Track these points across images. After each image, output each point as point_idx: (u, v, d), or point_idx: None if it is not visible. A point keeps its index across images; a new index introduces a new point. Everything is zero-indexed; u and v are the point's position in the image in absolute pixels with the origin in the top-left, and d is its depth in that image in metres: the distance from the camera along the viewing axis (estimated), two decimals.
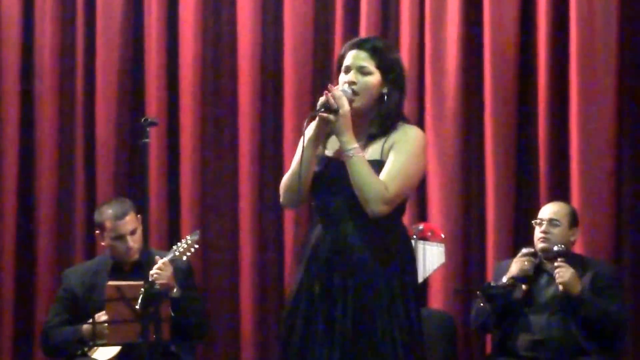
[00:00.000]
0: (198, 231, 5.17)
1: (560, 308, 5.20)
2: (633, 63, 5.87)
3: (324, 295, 3.83)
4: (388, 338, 3.80)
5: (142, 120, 4.35)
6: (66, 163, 6.44)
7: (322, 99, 3.79)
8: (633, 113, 5.87)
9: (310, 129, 3.84)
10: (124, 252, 5.16)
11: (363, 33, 6.10)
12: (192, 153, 6.31)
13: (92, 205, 6.31)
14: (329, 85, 3.82)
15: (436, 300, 5.97)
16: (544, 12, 5.90)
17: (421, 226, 5.52)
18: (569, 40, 5.87)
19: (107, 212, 5.19)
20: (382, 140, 3.86)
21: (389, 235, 3.86)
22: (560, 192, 5.80)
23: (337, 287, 3.82)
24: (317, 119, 3.82)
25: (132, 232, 5.16)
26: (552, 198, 5.68)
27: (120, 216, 5.16)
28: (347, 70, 3.88)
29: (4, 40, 6.49)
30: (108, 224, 5.17)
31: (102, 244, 5.28)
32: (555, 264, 5.18)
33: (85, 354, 5.07)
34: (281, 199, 3.94)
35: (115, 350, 4.98)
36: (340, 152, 3.86)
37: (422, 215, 6.02)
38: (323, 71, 6.18)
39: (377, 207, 3.77)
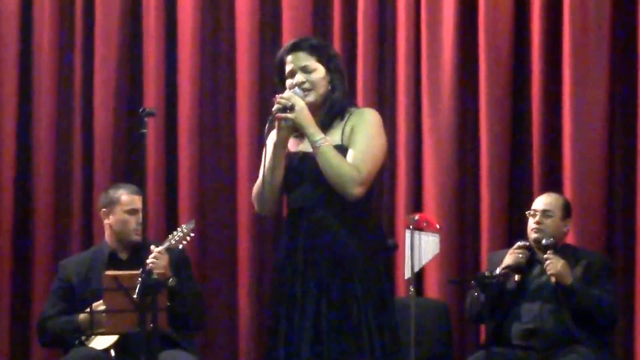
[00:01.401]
0: (193, 220, 5.20)
1: (552, 298, 5.24)
2: (625, 52, 5.89)
3: (302, 282, 3.91)
4: (363, 321, 3.87)
5: (140, 110, 4.37)
6: (64, 154, 6.45)
7: (275, 107, 3.87)
8: (625, 104, 5.89)
9: (272, 137, 3.92)
10: (134, 229, 5.19)
11: (360, 26, 6.13)
12: (189, 143, 6.32)
13: (89, 196, 6.33)
14: (275, 95, 3.90)
15: (431, 290, 6.00)
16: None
17: (416, 216, 5.54)
18: (562, 32, 5.90)
19: (121, 189, 5.28)
20: (340, 126, 3.95)
21: (361, 221, 3.94)
22: (553, 184, 5.84)
23: (314, 274, 3.89)
24: (277, 126, 3.89)
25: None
26: (545, 189, 5.71)
27: (136, 192, 5.23)
28: (292, 74, 3.96)
29: (2, 30, 6.48)
30: (125, 198, 5.23)
31: (108, 222, 5.27)
32: (545, 256, 5.22)
33: (82, 344, 5.09)
34: (257, 208, 4.04)
35: (112, 339, 5.00)
36: (297, 146, 3.96)
37: (417, 205, 6.05)
38: None
39: (353, 190, 3.87)
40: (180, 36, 6.38)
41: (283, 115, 3.86)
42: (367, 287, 3.90)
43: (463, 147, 6.07)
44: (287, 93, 3.90)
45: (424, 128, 6.09)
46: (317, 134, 3.87)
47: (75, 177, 6.43)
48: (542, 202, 5.41)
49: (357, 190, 3.87)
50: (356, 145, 3.90)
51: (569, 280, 5.18)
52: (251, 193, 6.23)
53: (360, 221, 3.95)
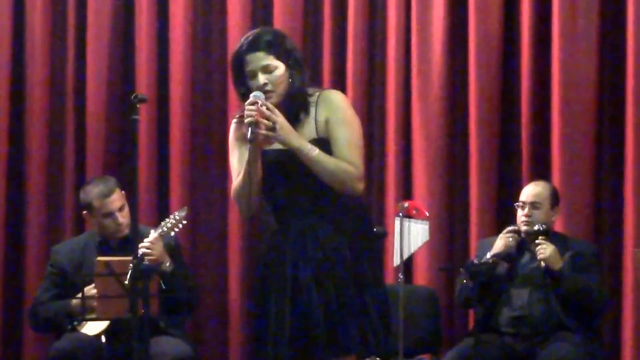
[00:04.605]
0: (186, 207, 5.20)
1: (541, 283, 5.28)
2: (613, 46, 5.92)
3: (291, 284, 3.90)
4: (354, 313, 3.89)
5: (132, 97, 4.38)
6: (56, 140, 6.45)
7: (249, 119, 3.80)
8: (613, 94, 5.90)
9: (234, 137, 3.94)
10: (114, 229, 5.20)
11: (350, 24, 6.16)
12: (181, 129, 6.33)
13: (81, 182, 6.31)
14: (250, 105, 3.82)
15: (420, 277, 6.03)
16: None
17: (406, 204, 5.56)
18: (551, 26, 5.92)
19: (93, 192, 5.22)
20: (310, 117, 3.93)
21: (345, 207, 3.95)
22: (541, 171, 5.86)
23: (304, 271, 3.89)
24: (253, 138, 3.82)
25: (120, 209, 5.19)
26: (533, 176, 5.75)
27: (107, 194, 5.19)
28: (253, 75, 3.91)
29: None
30: (96, 203, 5.19)
31: (91, 223, 5.32)
32: (537, 241, 5.25)
33: (74, 329, 5.11)
34: (239, 212, 4.01)
35: (104, 324, 5.02)
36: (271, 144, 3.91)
37: (407, 193, 6.08)
38: (312, 51, 6.24)
39: (356, 187, 3.90)
40: (172, 23, 6.39)
41: (265, 133, 3.81)
42: (356, 279, 3.91)
43: (452, 135, 6.09)
44: (265, 111, 3.80)
45: (413, 116, 6.11)
46: (304, 145, 3.84)
47: (67, 163, 6.44)
48: (529, 193, 5.42)
49: (359, 186, 3.91)
50: (341, 140, 3.89)
51: (558, 265, 5.22)
52: None
53: (348, 213, 3.95)
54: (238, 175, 3.94)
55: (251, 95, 3.86)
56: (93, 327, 5.06)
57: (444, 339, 5.83)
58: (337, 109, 3.93)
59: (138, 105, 4.31)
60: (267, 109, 3.82)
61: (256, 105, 3.82)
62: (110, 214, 5.18)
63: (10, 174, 6.46)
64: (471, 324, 5.76)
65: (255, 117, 3.80)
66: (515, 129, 6.00)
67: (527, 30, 5.96)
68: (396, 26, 6.12)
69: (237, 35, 6.28)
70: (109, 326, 5.02)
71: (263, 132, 3.80)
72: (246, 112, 3.83)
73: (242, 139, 3.94)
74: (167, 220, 5.08)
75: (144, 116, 5.98)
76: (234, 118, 4.06)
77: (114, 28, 6.46)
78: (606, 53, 5.93)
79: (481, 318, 5.38)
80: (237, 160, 3.98)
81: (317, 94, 3.97)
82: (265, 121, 3.81)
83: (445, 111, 6.07)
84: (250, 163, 3.87)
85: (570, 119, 5.86)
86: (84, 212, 5.30)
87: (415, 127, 6.10)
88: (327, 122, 3.91)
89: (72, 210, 6.37)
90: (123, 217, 5.19)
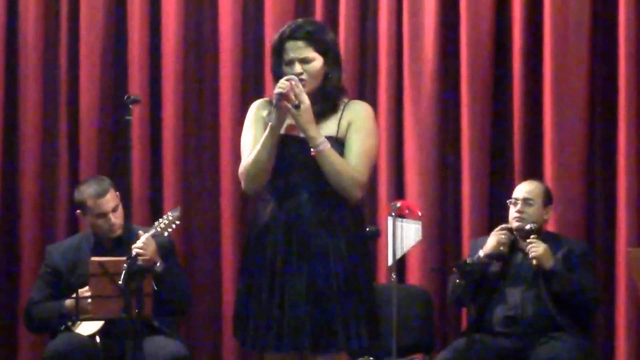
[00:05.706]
0: (179, 207, 5.21)
1: (534, 285, 5.29)
2: (605, 43, 5.94)
3: (284, 269, 3.94)
4: (339, 309, 3.92)
5: (125, 97, 4.39)
6: (49, 141, 6.44)
7: (279, 90, 3.86)
8: (604, 92, 5.93)
9: (272, 118, 3.93)
10: (107, 229, 5.20)
11: (342, 20, 6.17)
12: (174, 130, 6.34)
13: (75, 182, 6.31)
14: (285, 81, 3.89)
15: (413, 277, 6.04)
16: None
17: (398, 204, 5.56)
18: (542, 23, 5.94)
19: (87, 191, 5.22)
20: (335, 117, 3.99)
21: (343, 206, 3.99)
22: (534, 170, 5.88)
23: (295, 261, 3.93)
24: (278, 110, 3.89)
25: (114, 209, 5.20)
26: (526, 176, 5.76)
27: (101, 194, 5.19)
28: (291, 62, 3.97)
29: None
30: (89, 203, 5.20)
31: (84, 223, 5.33)
32: (528, 240, 5.27)
33: (68, 329, 5.12)
34: (245, 187, 4.04)
35: (98, 325, 5.03)
36: (290, 129, 3.98)
37: (399, 193, 6.09)
38: None
39: (355, 193, 3.96)
40: (164, 23, 6.39)
41: (289, 107, 3.88)
42: (350, 277, 3.95)
43: (444, 135, 6.11)
44: (298, 88, 3.88)
45: (405, 116, 6.12)
46: (319, 137, 3.90)
47: (61, 163, 6.43)
48: (522, 190, 5.45)
49: (358, 193, 3.97)
50: (355, 147, 3.96)
51: (550, 264, 5.23)
52: (234, 176, 6.30)
53: (344, 212, 3.99)
54: (251, 151, 3.97)
55: (288, 75, 3.93)
56: (87, 327, 5.06)
57: (437, 338, 5.83)
58: (361, 117, 4.01)
59: (131, 106, 4.33)
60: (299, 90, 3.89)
61: (290, 81, 3.88)
62: (103, 215, 5.19)
63: (4, 175, 6.45)
64: (464, 324, 5.77)
65: (287, 90, 3.86)
66: (507, 128, 6.02)
67: (518, 31, 5.97)
68: (387, 28, 6.13)
69: (228, 36, 6.32)
70: (103, 326, 5.03)
71: (287, 104, 3.86)
72: (278, 85, 3.89)
73: (261, 119, 4.00)
74: (161, 220, 5.09)
75: (136, 117, 5.98)
76: (259, 101, 4.09)
77: (107, 29, 6.46)
78: (598, 52, 5.95)
79: (474, 318, 5.38)
80: (252, 139, 4.00)
81: (347, 100, 4.04)
82: (293, 97, 3.87)
83: (437, 111, 6.08)
84: (272, 135, 3.91)
85: (562, 118, 5.88)
86: (78, 211, 5.31)
87: (407, 127, 6.11)
88: (349, 126, 3.98)
89: (66, 210, 6.37)
90: (116, 218, 5.20)
